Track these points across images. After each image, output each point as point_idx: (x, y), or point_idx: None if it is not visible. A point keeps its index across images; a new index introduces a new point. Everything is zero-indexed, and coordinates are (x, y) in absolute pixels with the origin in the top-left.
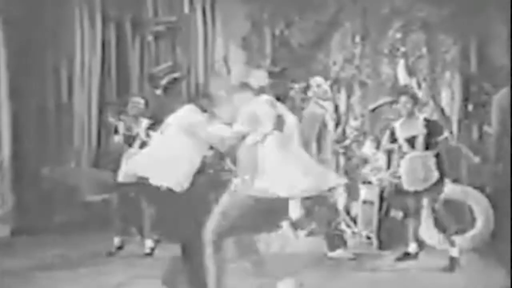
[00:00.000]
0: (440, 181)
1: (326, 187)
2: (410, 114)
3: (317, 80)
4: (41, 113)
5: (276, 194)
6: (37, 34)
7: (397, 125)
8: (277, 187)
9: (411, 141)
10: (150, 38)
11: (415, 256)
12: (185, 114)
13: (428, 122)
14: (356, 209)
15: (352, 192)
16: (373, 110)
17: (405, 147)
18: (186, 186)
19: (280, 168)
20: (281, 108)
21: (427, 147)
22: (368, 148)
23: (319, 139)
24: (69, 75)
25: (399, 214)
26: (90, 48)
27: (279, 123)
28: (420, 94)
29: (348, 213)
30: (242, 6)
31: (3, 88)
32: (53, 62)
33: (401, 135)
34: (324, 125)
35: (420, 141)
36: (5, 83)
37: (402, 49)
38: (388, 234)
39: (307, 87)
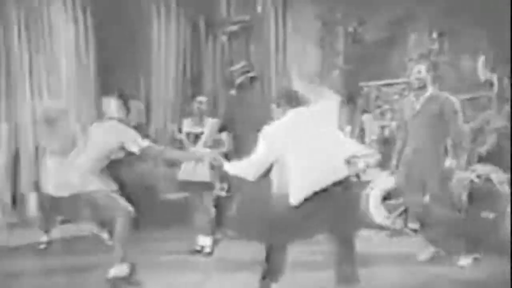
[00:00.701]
0: None
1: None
2: None
3: (418, 67)
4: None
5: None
6: (117, 33)
7: None
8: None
9: None
10: (224, 38)
11: None
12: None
13: None
14: None
15: None
16: None
17: None
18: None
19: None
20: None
21: None
22: None
23: None
24: (146, 74)
25: (490, 215)
26: (166, 47)
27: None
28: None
29: None
30: (314, 5)
31: (90, 86)
32: (132, 61)
33: None
34: None
35: None
36: (91, 81)
37: (483, 43)
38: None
39: None
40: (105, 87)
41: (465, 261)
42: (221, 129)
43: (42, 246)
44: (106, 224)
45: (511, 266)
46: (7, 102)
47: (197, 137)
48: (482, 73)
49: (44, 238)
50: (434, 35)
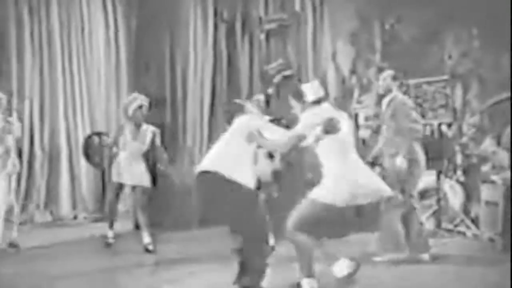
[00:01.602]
0: None
1: (380, 197)
2: None
3: (385, 73)
4: (157, 110)
5: (334, 203)
6: (156, 32)
7: None
8: (334, 197)
9: None
10: (262, 36)
11: None
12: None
13: None
14: (476, 209)
15: (471, 192)
16: (493, 105)
17: None
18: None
19: (338, 177)
20: (337, 114)
21: None
22: (488, 145)
23: None
24: (183, 73)
25: None
26: (202, 46)
27: (330, 126)
28: None
29: (467, 214)
30: (351, 2)
31: (124, 87)
32: (170, 60)
33: None
34: None
35: None
36: (125, 83)
37: None
38: None
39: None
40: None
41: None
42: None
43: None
44: None
45: (511, 266)
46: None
47: None
48: None
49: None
50: (474, 31)
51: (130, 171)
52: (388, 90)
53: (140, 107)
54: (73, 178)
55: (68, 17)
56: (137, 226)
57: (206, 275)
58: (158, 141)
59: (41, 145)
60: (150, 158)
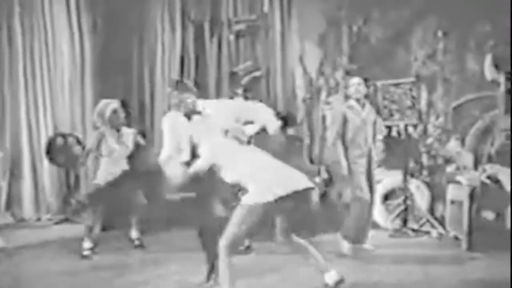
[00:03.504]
0: None
1: (299, 188)
2: None
3: (356, 80)
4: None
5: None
6: (122, 33)
7: None
8: (256, 194)
9: None
10: (231, 37)
11: None
12: None
13: None
14: (441, 209)
15: (436, 192)
16: (457, 107)
17: None
18: None
19: (257, 174)
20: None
21: None
22: (453, 146)
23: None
24: (151, 74)
25: (490, 215)
26: (170, 48)
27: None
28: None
29: (432, 213)
30: (319, 3)
31: (88, 91)
32: (137, 61)
33: None
34: (345, 121)
35: None
36: (90, 85)
37: (490, 42)
38: (479, 236)
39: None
40: (106, 92)
41: None
42: None
43: None
44: None
45: (511, 266)
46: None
47: None
48: (489, 73)
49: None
50: (439, 34)
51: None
52: (363, 95)
53: (115, 111)
54: (36, 179)
55: (30, 19)
56: (103, 228)
57: (176, 277)
58: (141, 141)
59: (1, 148)
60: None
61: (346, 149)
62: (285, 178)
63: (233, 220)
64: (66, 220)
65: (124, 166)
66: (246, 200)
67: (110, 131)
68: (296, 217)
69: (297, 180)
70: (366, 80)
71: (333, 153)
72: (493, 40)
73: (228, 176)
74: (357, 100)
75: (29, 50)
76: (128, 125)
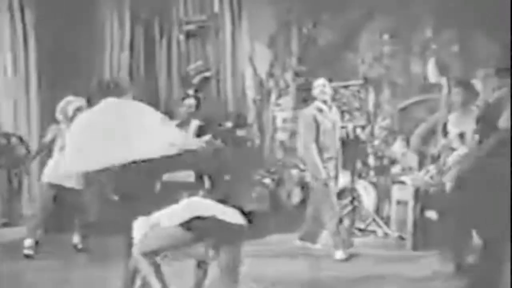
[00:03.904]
0: None
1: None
2: (463, 108)
3: (320, 81)
4: None
5: None
6: (69, 34)
7: (451, 118)
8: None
9: (462, 137)
10: (181, 37)
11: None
12: None
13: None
14: (387, 209)
15: (382, 192)
16: (403, 109)
17: (456, 142)
18: None
19: None
20: None
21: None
22: (398, 147)
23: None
24: (100, 74)
25: (434, 215)
26: (119, 47)
27: None
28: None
29: (378, 213)
30: (269, 5)
31: (33, 89)
32: (85, 63)
33: (453, 129)
34: (317, 125)
35: (469, 138)
36: (35, 83)
37: (433, 46)
38: (423, 235)
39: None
40: (55, 91)
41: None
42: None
43: None
44: None
45: (511, 266)
46: None
47: None
48: (432, 76)
49: None
50: (385, 37)
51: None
52: (330, 97)
53: (79, 109)
54: None
55: None
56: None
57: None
58: None
59: None
60: None
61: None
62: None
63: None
64: (7, 224)
65: None
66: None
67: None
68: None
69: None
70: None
71: (305, 156)
72: (436, 45)
73: None
74: (324, 101)
75: None
76: None
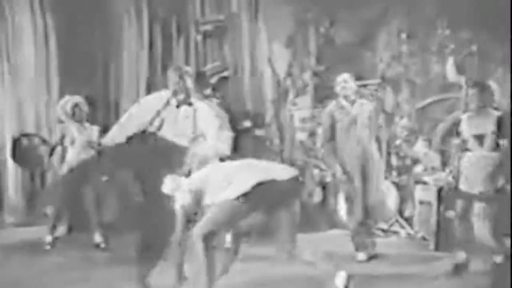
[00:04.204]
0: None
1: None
2: (480, 109)
3: (342, 77)
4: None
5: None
6: (87, 34)
7: (464, 118)
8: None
9: (479, 139)
10: (199, 37)
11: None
12: None
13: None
14: (410, 209)
15: (405, 193)
16: (421, 108)
17: (472, 144)
18: None
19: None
20: None
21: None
22: (420, 147)
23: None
24: (117, 74)
25: (453, 215)
26: (137, 47)
27: None
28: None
29: (401, 214)
30: (287, 5)
31: (55, 87)
32: (103, 62)
33: (468, 130)
34: (333, 122)
35: (488, 140)
36: (56, 82)
37: (451, 46)
38: (446, 236)
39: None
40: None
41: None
42: None
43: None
44: None
45: (511, 266)
46: None
47: None
48: (450, 75)
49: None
50: (403, 36)
51: None
52: (354, 92)
53: (76, 105)
54: None
55: None
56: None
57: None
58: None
59: None
60: None
61: (335, 150)
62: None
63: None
64: (31, 223)
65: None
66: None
67: (73, 123)
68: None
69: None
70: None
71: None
72: (454, 44)
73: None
74: (345, 97)
75: None
76: (93, 121)
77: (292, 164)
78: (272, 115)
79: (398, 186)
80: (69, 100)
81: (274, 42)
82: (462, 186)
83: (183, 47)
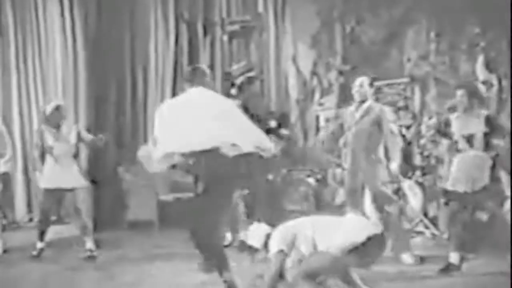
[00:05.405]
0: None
1: None
2: (467, 109)
3: (359, 81)
4: (118, 113)
5: None
6: (115, 35)
7: (453, 119)
8: None
9: (468, 139)
10: (225, 37)
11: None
12: None
13: (489, 121)
14: (435, 210)
15: (429, 193)
16: (451, 108)
17: (463, 144)
18: None
19: None
20: None
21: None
22: (445, 147)
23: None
24: (144, 74)
25: (484, 216)
26: (163, 47)
27: None
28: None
29: (426, 214)
30: (312, 4)
31: (82, 90)
32: (130, 61)
33: (457, 130)
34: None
35: (478, 140)
36: (84, 84)
37: (482, 44)
38: (473, 237)
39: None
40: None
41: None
42: None
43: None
44: None
45: (511, 266)
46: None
47: None
48: (481, 73)
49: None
50: (432, 35)
51: (63, 174)
52: (365, 97)
53: (57, 108)
54: (28, 180)
55: (23, 19)
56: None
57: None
58: (85, 135)
59: None
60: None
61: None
62: None
63: None
64: (58, 221)
65: (71, 164)
66: None
67: (48, 129)
68: None
69: None
70: (374, 79)
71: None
72: (484, 42)
73: None
74: (362, 102)
75: (22, 51)
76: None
77: (317, 163)
78: (297, 115)
79: (422, 185)
80: (51, 103)
81: (299, 42)
82: (451, 187)
83: (209, 48)
